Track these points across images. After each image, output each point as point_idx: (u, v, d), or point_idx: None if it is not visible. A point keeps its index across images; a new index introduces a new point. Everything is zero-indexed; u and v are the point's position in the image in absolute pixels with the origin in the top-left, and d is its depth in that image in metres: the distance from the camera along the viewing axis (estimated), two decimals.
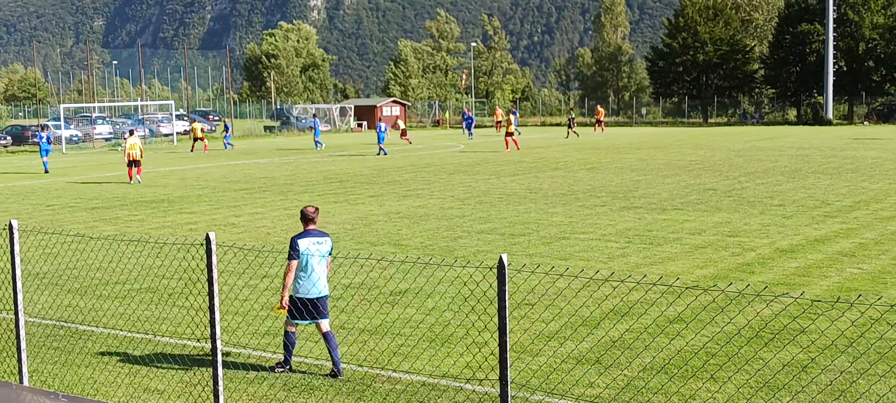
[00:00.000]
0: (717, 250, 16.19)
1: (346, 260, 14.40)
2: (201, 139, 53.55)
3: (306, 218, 9.76)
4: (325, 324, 9.64)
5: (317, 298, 9.60)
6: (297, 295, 9.55)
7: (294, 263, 9.50)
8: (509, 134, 50.14)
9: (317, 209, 9.91)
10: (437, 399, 8.73)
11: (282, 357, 9.93)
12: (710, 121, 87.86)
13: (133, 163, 32.76)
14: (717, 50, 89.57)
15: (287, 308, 9.59)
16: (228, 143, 56.43)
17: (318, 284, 9.59)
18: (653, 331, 10.68)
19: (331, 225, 20.57)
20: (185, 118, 79.53)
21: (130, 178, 32.53)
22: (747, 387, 8.71)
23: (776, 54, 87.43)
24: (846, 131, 63.82)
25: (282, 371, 9.70)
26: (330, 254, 9.77)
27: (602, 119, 70.43)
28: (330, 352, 9.58)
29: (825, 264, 14.71)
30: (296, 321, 9.63)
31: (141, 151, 33.14)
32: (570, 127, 62.49)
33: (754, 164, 34.24)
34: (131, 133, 34.71)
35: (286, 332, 9.77)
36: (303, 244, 9.54)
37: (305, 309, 9.55)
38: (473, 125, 64.07)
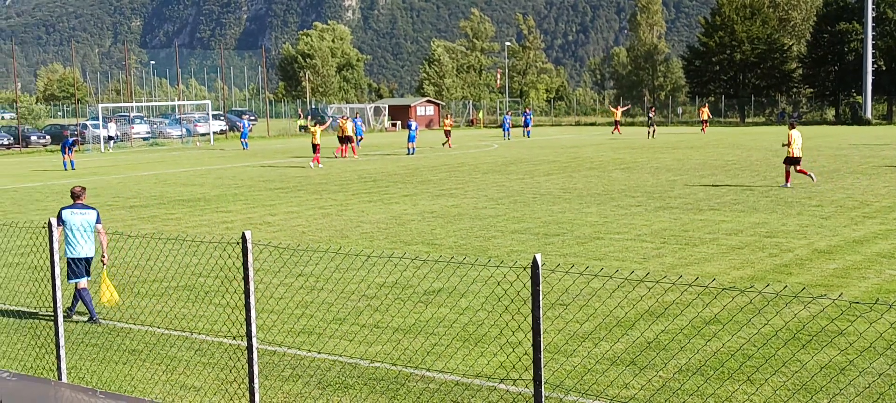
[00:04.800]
0: (754, 251, 16.03)
1: (379, 260, 14.43)
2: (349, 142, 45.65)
3: (73, 195, 12.36)
4: (83, 282, 12.08)
5: (85, 258, 12.14)
6: (70, 256, 12.01)
7: (58, 229, 11.69)
8: (617, 122, 64.09)
9: (83, 188, 12.53)
10: (470, 398, 8.72)
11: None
12: (747, 120, 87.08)
13: (346, 139, 44.26)
14: (755, 49, 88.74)
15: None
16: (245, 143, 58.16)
17: (85, 247, 12.12)
18: (688, 333, 10.60)
19: (365, 224, 20.65)
20: (222, 117, 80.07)
21: (339, 154, 43.46)
22: (784, 390, 8.62)
23: (814, 53, 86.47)
24: (885, 131, 62.95)
25: (92, 323, 11.94)
26: (99, 223, 12.22)
27: (705, 119, 66.78)
28: (85, 305, 12.01)
29: (864, 265, 14.52)
30: (75, 279, 12.03)
31: (349, 131, 44.70)
32: (649, 126, 60.12)
33: None
34: (345, 118, 47.29)
35: (79, 294, 12.04)
36: (65, 214, 12.11)
37: (78, 267, 12.03)
38: (510, 126, 63.49)
